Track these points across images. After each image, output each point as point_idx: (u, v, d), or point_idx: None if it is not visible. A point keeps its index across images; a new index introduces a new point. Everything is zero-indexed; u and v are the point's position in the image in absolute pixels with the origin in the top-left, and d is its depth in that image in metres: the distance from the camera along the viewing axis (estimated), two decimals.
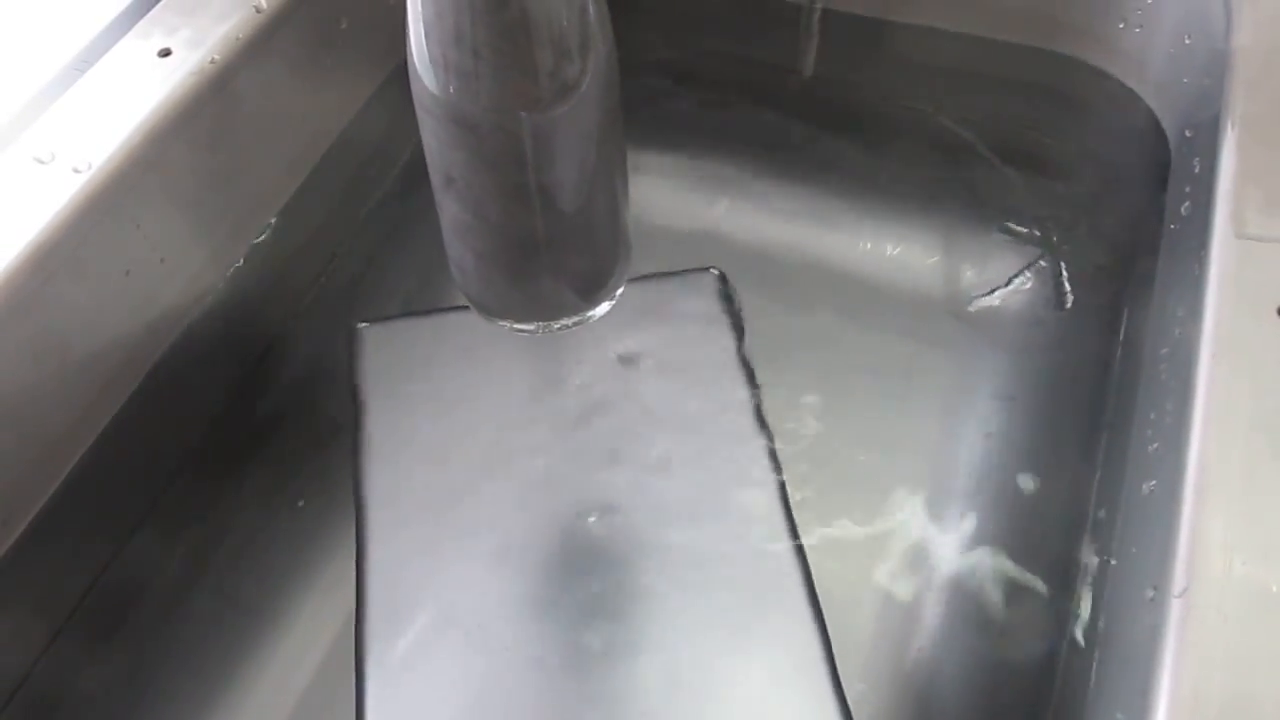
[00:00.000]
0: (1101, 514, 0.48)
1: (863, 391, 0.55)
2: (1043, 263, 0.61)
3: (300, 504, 0.52)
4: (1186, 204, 0.50)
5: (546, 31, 0.32)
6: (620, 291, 0.45)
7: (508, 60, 0.33)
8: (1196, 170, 0.50)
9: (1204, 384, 0.39)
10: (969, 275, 0.60)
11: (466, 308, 0.55)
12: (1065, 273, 0.60)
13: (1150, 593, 0.36)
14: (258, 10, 0.54)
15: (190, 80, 0.51)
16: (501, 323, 0.44)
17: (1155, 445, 0.43)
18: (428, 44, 0.33)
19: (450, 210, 0.39)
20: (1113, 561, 0.45)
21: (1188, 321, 0.43)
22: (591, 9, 0.34)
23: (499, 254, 0.40)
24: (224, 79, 0.52)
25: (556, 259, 0.40)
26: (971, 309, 0.59)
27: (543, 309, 0.43)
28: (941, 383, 0.56)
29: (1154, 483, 0.41)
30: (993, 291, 0.60)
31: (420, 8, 0.33)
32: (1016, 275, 0.60)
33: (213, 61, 0.52)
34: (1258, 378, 0.39)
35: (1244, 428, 0.38)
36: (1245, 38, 0.50)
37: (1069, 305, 0.59)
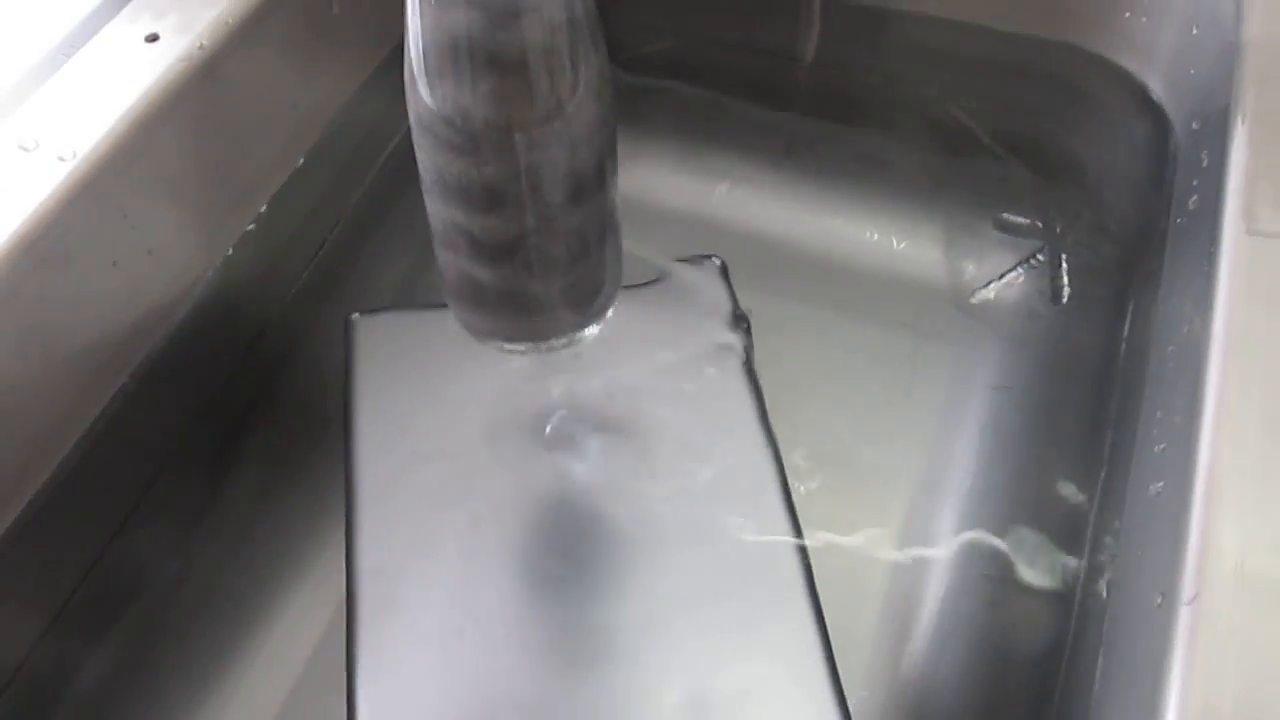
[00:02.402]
0: (1107, 515, 0.47)
1: (863, 384, 0.54)
2: (1042, 256, 0.60)
3: (291, 496, 0.52)
4: (1194, 198, 0.49)
5: (541, 52, 0.33)
6: (610, 313, 0.45)
7: (502, 78, 0.33)
8: (1205, 164, 0.49)
9: (1214, 384, 0.38)
10: (971, 267, 0.59)
11: None
12: (1066, 265, 0.59)
13: (1158, 599, 0.35)
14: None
15: (178, 66, 0.50)
16: (491, 342, 0.44)
17: (1162, 446, 0.42)
18: (425, 59, 0.33)
19: (441, 225, 0.39)
20: (1117, 565, 0.45)
21: (1196, 319, 0.42)
22: (586, 28, 0.34)
23: (489, 270, 0.40)
24: (213, 65, 0.51)
25: (547, 277, 0.40)
26: (973, 300, 0.58)
27: (533, 329, 0.43)
28: (943, 375, 0.55)
29: (1161, 484, 0.40)
30: (991, 283, 0.59)
31: (419, 24, 0.33)
32: (1017, 266, 0.59)
33: (201, 47, 0.51)
34: (1270, 378, 0.38)
35: (1256, 430, 0.37)
36: (1255, 29, 0.49)
37: (1067, 299, 0.59)
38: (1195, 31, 0.56)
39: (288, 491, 0.52)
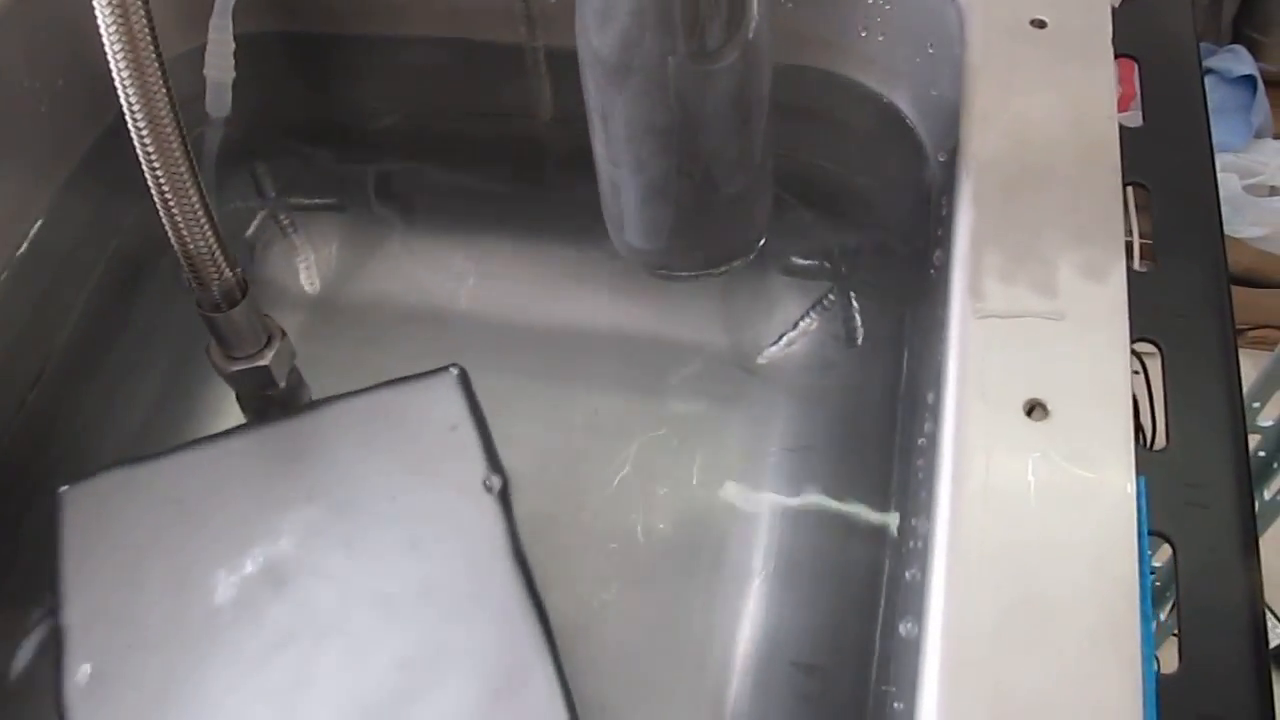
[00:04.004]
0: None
1: (642, 477, 0.50)
2: (831, 297, 0.56)
3: None
4: (938, 252, 0.44)
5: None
6: (761, 243, 0.51)
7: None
8: (944, 212, 0.44)
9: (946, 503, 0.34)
10: (756, 320, 0.55)
11: (183, 447, 0.49)
12: (856, 305, 0.55)
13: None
14: None
15: None
16: (659, 272, 0.51)
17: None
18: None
19: (610, 162, 0.46)
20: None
21: (936, 413, 0.37)
22: None
23: (650, 197, 0.47)
24: None
25: (700, 203, 0.47)
26: (761, 360, 0.54)
27: (689, 256, 0.51)
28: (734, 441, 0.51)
29: (910, 624, 0.36)
30: (782, 337, 0.55)
31: None
32: (809, 311, 0.55)
33: None
34: (1002, 496, 0.34)
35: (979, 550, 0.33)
36: (978, 54, 0.45)
37: (860, 341, 0.54)
38: (931, 50, 0.51)
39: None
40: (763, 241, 0.51)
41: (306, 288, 0.59)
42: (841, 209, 0.58)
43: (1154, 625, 0.33)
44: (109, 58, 0.42)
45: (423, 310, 0.57)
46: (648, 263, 0.51)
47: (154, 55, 0.43)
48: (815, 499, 0.50)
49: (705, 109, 0.44)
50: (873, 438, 0.50)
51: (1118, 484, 0.34)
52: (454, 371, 0.52)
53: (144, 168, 0.43)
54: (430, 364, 0.52)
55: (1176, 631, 0.32)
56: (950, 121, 0.48)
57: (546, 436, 0.53)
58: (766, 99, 0.45)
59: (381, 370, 0.51)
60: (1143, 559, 0.32)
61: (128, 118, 0.42)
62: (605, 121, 0.45)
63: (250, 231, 0.61)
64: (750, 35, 0.42)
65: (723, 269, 0.52)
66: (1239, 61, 1.29)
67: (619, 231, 0.50)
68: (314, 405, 0.52)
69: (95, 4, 0.40)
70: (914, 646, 0.34)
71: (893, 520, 0.47)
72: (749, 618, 0.47)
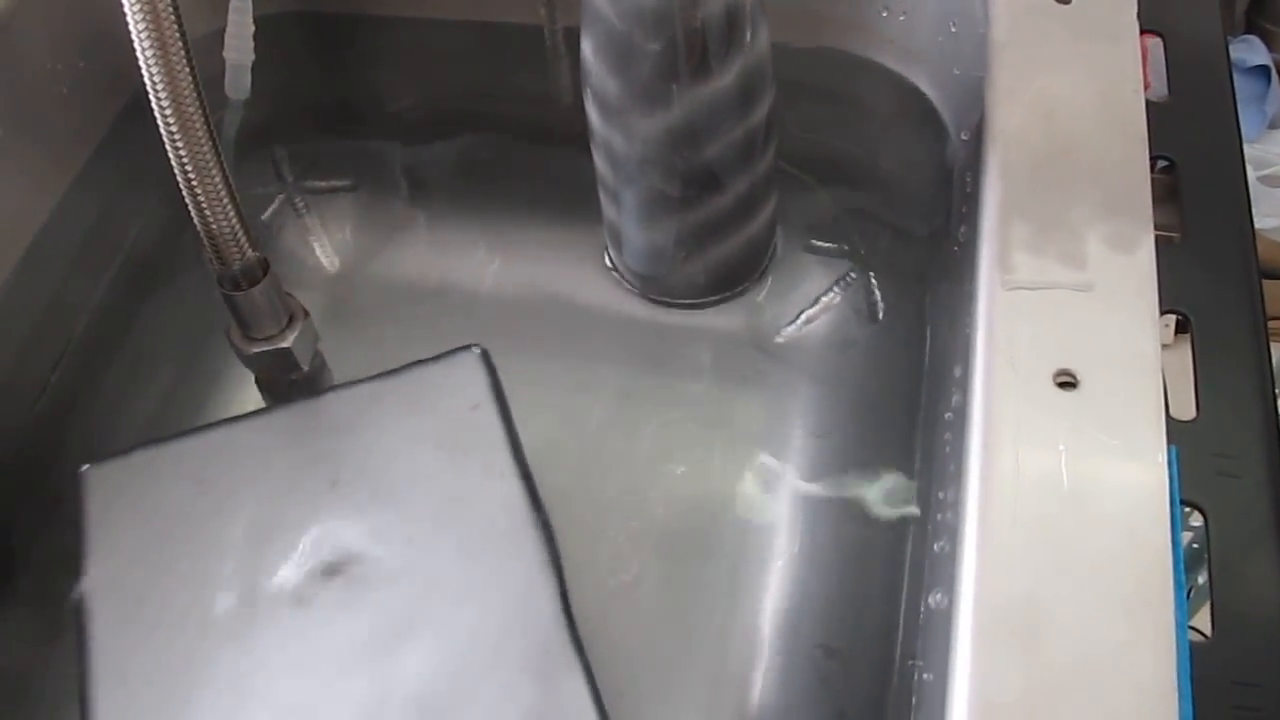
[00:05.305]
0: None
1: (660, 458, 0.50)
2: (852, 275, 0.56)
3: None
4: (963, 228, 0.44)
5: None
6: (767, 270, 0.54)
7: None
8: (969, 188, 0.44)
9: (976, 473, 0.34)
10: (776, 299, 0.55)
11: (206, 428, 0.49)
12: (876, 284, 0.55)
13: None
14: None
15: None
16: (660, 299, 0.53)
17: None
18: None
19: (611, 183, 0.49)
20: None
21: (964, 385, 0.37)
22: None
23: (649, 219, 0.49)
24: None
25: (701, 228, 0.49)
26: (779, 339, 0.54)
27: (689, 282, 0.53)
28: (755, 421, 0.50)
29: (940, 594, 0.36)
30: (800, 314, 0.55)
31: None
32: (832, 287, 0.55)
33: None
34: (1032, 465, 0.34)
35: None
36: (1003, 30, 0.45)
37: (880, 318, 0.54)
38: (953, 29, 0.51)
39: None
40: (768, 270, 0.53)
41: (325, 271, 0.59)
42: (861, 188, 0.58)
43: (1187, 593, 0.32)
44: (133, 38, 0.42)
45: (443, 292, 0.57)
46: (645, 289, 0.52)
47: (178, 35, 0.43)
48: (837, 478, 0.50)
49: (708, 132, 0.45)
50: (894, 415, 0.50)
51: (1149, 453, 0.34)
52: (475, 351, 0.52)
53: (167, 147, 0.43)
54: (451, 345, 0.52)
55: (1210, 599, 0.32)
56: (972, 100, 0.48)
57: (566, 417, 0.53)
58: (769, 119, 0.46)
59: (402, 352, 0.51)
60: (1175, 528, 0.32)
61: (151, 98, 0.43)
62: (606, 146, 0.46)
63: (268, 215, 0.61)
64: (752, 58, 0.43)
65: (725, 296, 0.53)
66: (1253, 52, 1.29)
67: (619, 253, 0.50)
68: (334, 388, 0.52)
69: None
70: (944, 617, 0.34)
71: (915, 497, 0.47)
72: (771, 599, 0.47)
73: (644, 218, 0.50)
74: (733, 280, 0.55)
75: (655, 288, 0.53)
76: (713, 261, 0.52)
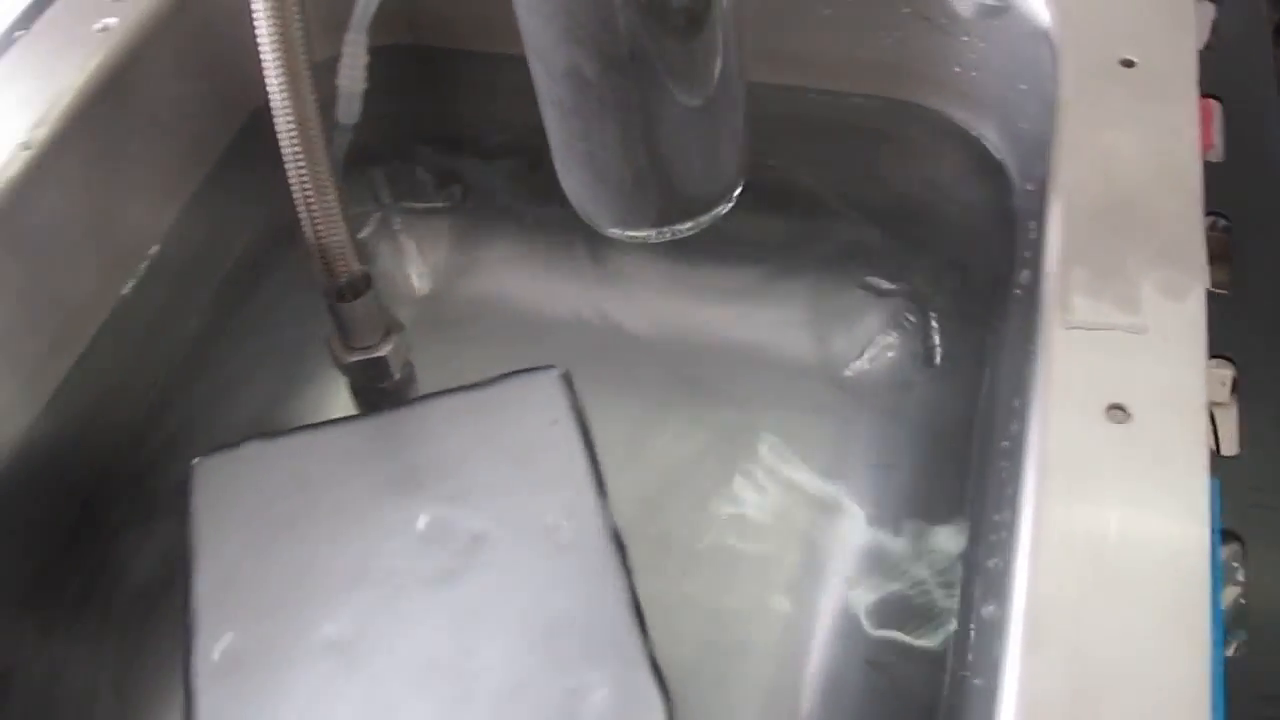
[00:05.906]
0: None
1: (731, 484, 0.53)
2: (911, 316, 0.58)
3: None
4: (1025, 272, 0.47)
5: None
6: (738, 191, 0.46)
7: None
8: (1032, 235, 0.47)
9: (1031, 495, 0.37)
10: (840, 337, 0.58)
11: (306, 428, 0.53)
12: (936, 326, 0.58)
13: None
14: (25, 148, 0.51)
15: None
16: (612, 231, 0.46)
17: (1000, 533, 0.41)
18: None
19: (558, 115, 0.42)
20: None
21: (1022, 415, 0.40)
22: None
23: (609, 148, 0.42)
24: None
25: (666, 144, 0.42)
26: (847, 373, 0.57)
27: (649, 211, 0.45)
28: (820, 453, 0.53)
29: (992, 607, 0.39)
30: (865, 350, 0.57)
31: None
32: (883, 333, 0.58)
33: None
34: (1083, 489, 0.37)
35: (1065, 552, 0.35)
36: (1070, 90, 0.48)
37: (938, 361, 0.57)
38: (1023, 87, 0.54)
39: (128, 660, 0.50)
40: (739, 190, 0.46)
41: (416, 287, 0.63)
42: (925, 235, 0.61)
43: (1222, 611, 0.35)
44: (264, 67, 0.45)
45: (530, 314, 0.61)
46: (595, 217, 0.46)
47: (306, 66, 0.47)
48: (895, 507, 0.52)
49: (653, 22, 0.38)
50: (951, 451, 0.52)
51: (1192, 483, 0.36)
52: (556, 370, 0.55)
53: (288, 166, 0.47)
54: (534, 364, 0.55)
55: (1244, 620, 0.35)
56: (1035, 153, 0.51)
57: (642, 438, 0.55)
58: (731, 15, 0.40)
59: (487, 368, 0.54)
60: (1214, 552, 0.35)
61: (276, 120, 0.46)
62: (541, 56, 0.41)
63: (365, 233, 0.65)
64: None
65: (689, 225, 0.46)
66: None
67: (567, 178, 0.46)
68: (423, 398, 0.56)
69: (254, 11, 0.44)
70: (997, 627, 0.36)
71: (965, 530, 0.49)
72: (826, 616, 0.50)
73: (579, 131, 0.43)
74: (693, 207, 0.46)
75: (606, 216, 0.46)
76: (666, 183, 0.45)
